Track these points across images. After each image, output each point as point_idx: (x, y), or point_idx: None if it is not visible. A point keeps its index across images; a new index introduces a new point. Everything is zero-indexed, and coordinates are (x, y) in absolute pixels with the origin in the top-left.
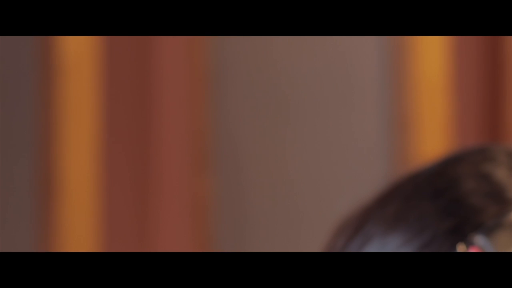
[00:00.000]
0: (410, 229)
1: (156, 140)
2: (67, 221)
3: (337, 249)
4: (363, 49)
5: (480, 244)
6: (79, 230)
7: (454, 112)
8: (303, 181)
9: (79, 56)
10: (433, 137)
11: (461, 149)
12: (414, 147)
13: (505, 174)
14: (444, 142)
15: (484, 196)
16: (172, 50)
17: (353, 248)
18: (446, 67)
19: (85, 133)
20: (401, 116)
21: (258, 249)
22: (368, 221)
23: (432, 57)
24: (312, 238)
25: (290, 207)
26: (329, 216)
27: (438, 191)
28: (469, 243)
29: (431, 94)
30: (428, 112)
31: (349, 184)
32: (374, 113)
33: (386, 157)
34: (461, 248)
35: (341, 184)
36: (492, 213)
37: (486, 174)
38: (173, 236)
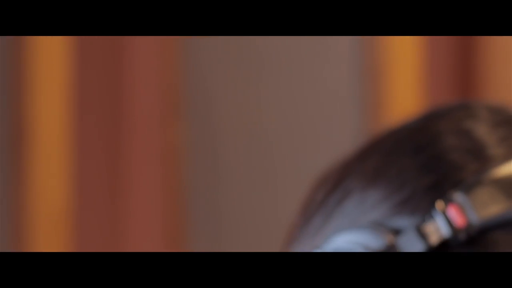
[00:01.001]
0: (390, 185)
1: (128, 89)
2: (37, 169)
3: (316, 203)
4: None
5: (459, 201)
6: (50, 179)
7: (426, 60)
8: (275, 129)
9: None
10: (405, 87)
11: (443, 105)
12: (387, 97)
13: (487, 131)
14: (417, 91)
15: (465, 152)
16: None
17: (332, 202)
18: None
19: (56, 82)
20: (373, 65)
21: (231, 196)
22: (348, 175)
23: None
24: (286, 186)
25: (263, 156)
26: (302, 164)
27: (418, 147)
28: (448, 200)
29: (403, 43)
30: (400, 61)
31: (321, 132)
32: (347, 63)
33: (359, 108)
34: (439, 205)
35: (314, 132)
36: (472, 170)
37: (467, 130)
38: (145, 184)
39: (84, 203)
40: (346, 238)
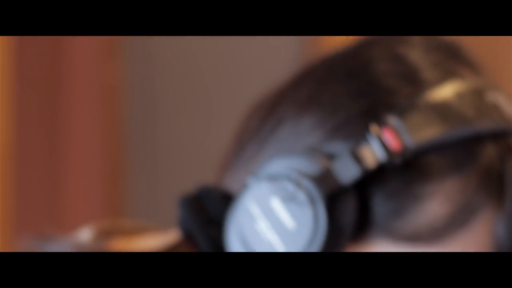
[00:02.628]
0: (323, 111)
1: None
2: None
3: (250, 130)
4: None
5: (393, 124)
6: None
7: None
8: (211, 59)
9: None
10: None
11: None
12: None
13: (420, 56)
14: None
15: (398, 77)
16: None
17: (266, 129)
18: None
19: None
20: None
21: (168, 128)
22: (281, 102)
23: None
24: (222, 116)
25: (199, 87)
26: (238, 93)
27: (351, 73)
28: (382, 124)
29: None
30: None
31: (257, 61)
32: None
33: (295, 37)
34: (374, 129)
35: (250, 62)
36: (405, 94)
37: (400, 55)
38: (84, 123)
39: (23, 140)
40: (281, 164)
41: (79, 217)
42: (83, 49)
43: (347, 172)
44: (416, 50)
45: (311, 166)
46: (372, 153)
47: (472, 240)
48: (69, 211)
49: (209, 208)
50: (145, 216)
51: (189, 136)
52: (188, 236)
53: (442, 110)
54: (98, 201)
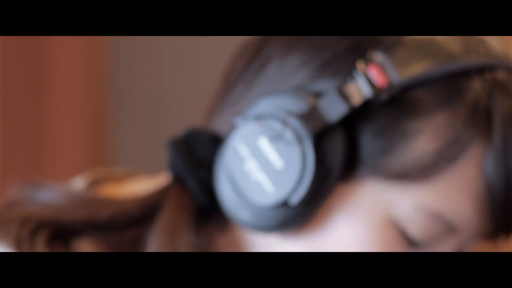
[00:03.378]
0: (309, 49)
1: None
2: None
3: (237, 72)
4: None
5: (379, 61)
6: None
7: None
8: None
9: None
10: None
11: None
12: None
13: None
14: None
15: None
16: None
17: (253, 70)
18: None
19: None
20: None
21: (154, 72)
22: (268, 43)
23: None
24: (209, 58)
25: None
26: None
27: None
28: (368, 60)
29: None
30: None
31: None
32: None
33: None
34: (360, 66)
35: None
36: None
37: None
38: (69, 66)
39: (8, 89)
40: (268, 103)
41: (66, 166)
42: None
43: (333, 109)
44: None
45: (298, 104)
46: (359, 90)
47: (460, 176)
48: (55, 160)
49: (197, 150)
50: (133, 163)
51: (175, 81)
52: (177, 178)
53: (429, 46)
54: (84, 149)
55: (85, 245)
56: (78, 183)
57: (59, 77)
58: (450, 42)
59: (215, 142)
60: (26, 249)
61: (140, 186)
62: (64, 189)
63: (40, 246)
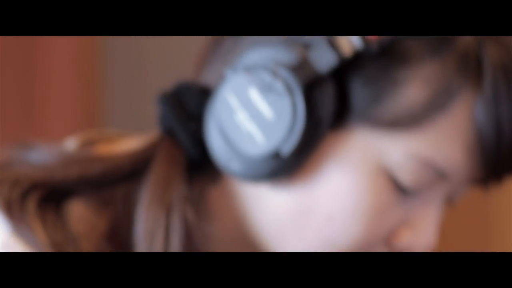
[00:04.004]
0: None
1: None
2: None
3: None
4: None
5: None
6: None
7: None
8: None
9: None
10: None
11: None
12: None
13: None
14: None
15: None
16: None
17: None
18: None
19: None
20: None
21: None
22: None
23: None
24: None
25: None
26: None
27: None
28: None
29: None
30: None
31: None
32: None
33: None
34: None
35: None
36: None
37: None
38: None
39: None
40: (259, 54)
41: (57, 127)
42: None
43: (324, 60)
44: None
45: (288, 55)
46: (349, 41)
47: (451, 124)
48: (47, 122)
49: (188, 103)
50: (125, 124)
51: (166, 40)
52: (168, 132)
53: None
54: (76, 110)
55: (76, 206)
56: (70, 144)
57: (52, 37)
58: None
59: (205, 94)
60: (16, 211)
61: (132, 143)
62: (55, 150)
63: (31, 208)
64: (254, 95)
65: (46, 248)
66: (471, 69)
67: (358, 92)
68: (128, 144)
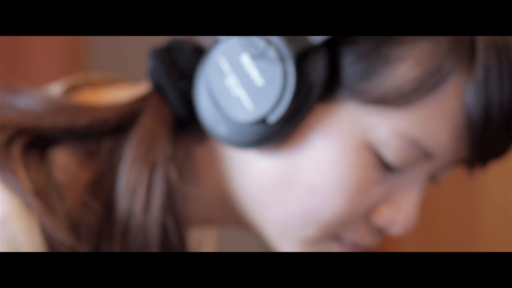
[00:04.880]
0: None
1: None
2: None
3: None
4: None
5: None
6: None
7: None
8: None
9: None
10: None
11: None
12: None
13: None
14: None
15: None
16: None
17: None
18: None
19: None
20: None
21: None
22: None
23: None
24: None
25: None
26: None
27: None
28: None
29: None
30: None
31: None
32: None
33: None
34: None
35: None
36: None
37: None
38: None
39: None
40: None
41: (43, 73)
42: None
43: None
44: None
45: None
46: None
47: (440, 105)
48: (32, 67)
49: (179, 61)
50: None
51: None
52: (157, 88)
53: None
54: (62, 55)
55: (60, 154)
56: (56, 89)
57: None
58: None
59: (198, 54)
60: (0, 156)
61: (119, 94)
62: (42, 95)
63: (16, 154)
64: (246, 61)
65: (29, 195)
66: (464, 52)
67: (350, 66)
68: (115, 93)
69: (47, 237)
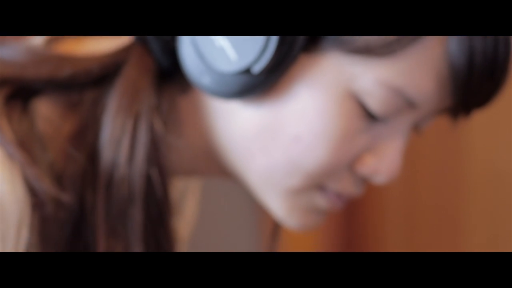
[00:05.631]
0: None
1: None
2: None
3: None
4: None
5: None
6: None
7: None
8: None
9: None
10: None
11: None
12: None
13: None
14: None
15: None
16: None
17: None
18: None
19: None
20: None
21: None
22: None
23: None
24: None
25: None
26: None
27: None
28: None
29: None
30: None
31: None
32: None
33: None
34: None
35: None
36: None
37: None
38: None
39: None
40: None
41: None
42: None
43: None
44: None
45: None
46: None
47: (424, 55)
48: None
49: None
50: None
51: None
52: (140, 38)
53: None
54: None
55: (42, 105)
56: (38, 40)
57: None
58: None
59: None
60: None
61: (101, 44)
62: (25, 46)
63: None
64: None
65: (11, 145)
66: None
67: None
68: (98, 44)
69: (30, 188)
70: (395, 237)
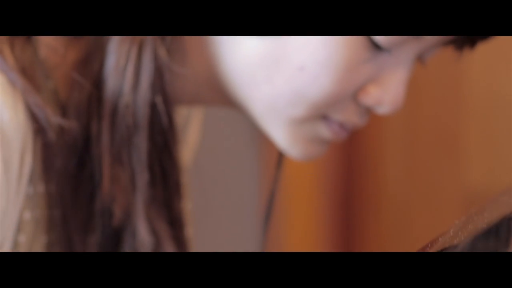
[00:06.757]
0: None
1: None
2: None
3: None
4: None
5: None
6: None
7: None
8: None
9: None
10: None
11: None
12: None
13: None
14: None
15: None
16: None
17: None
18: None
19: None
20: None
21: None
22: None
23: None
24: None
25: None
26: None
27: None
28: None
29: None
30: None
31: None
32: None
33: None
34: None
35: None
36: None
37: None
38: None
39: None
40: None
41: None
42: None
43: None
44: None
45: None
46: None
47: None
48: None
49: None
50: None
51: None
52: None
53: None
54: None
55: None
56: None
57: None
58: None
59: None
60: None
61: None
62: None
63: None
64: None
65: (13, 72)
66: None
67: None
68: None
69: (32, 115)
70: (395, 165)
